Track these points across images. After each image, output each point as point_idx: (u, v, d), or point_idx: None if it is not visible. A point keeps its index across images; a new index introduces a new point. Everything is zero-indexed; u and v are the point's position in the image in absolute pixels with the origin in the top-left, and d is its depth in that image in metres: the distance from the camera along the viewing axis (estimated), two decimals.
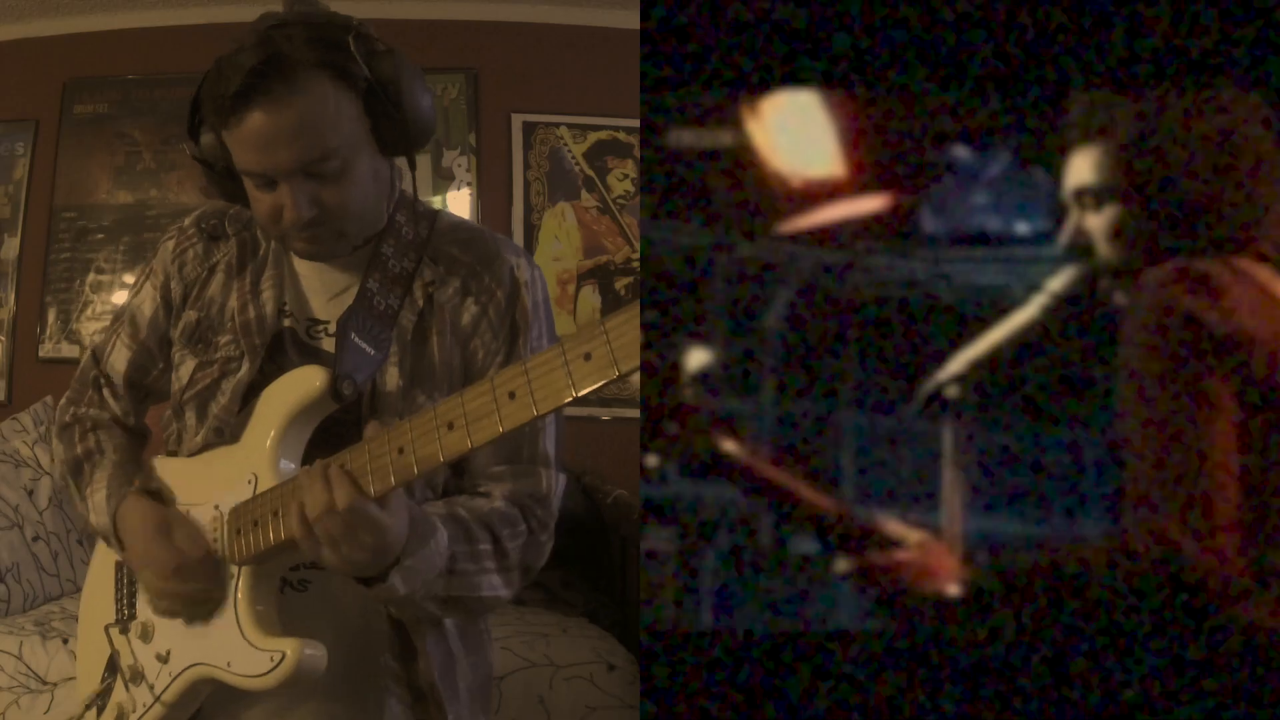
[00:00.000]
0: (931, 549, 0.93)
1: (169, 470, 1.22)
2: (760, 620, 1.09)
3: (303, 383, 1.12)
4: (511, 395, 0.89)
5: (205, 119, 1.14)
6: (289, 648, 1.05)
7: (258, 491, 1.10)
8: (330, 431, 1.14)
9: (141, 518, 1.15)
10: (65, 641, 2.17)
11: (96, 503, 1.20)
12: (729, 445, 0.90)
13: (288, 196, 1.09)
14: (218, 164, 1.15)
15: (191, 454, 1.20)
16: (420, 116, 1.14)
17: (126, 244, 3.47)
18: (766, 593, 1.10)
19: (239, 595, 1.09)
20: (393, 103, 1.11)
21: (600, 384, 0.84)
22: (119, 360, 1.29)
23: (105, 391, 1.29)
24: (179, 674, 1.12)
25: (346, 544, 0.98)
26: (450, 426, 0.93)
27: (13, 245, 3.46)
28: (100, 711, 1.19)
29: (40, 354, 3.41)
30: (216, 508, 1.13)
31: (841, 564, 0.92)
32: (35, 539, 2.57)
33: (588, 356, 0.83)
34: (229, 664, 1.08)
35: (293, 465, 1.12)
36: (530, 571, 1.19)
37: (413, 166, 1.22)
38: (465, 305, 1.20)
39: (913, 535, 0.93)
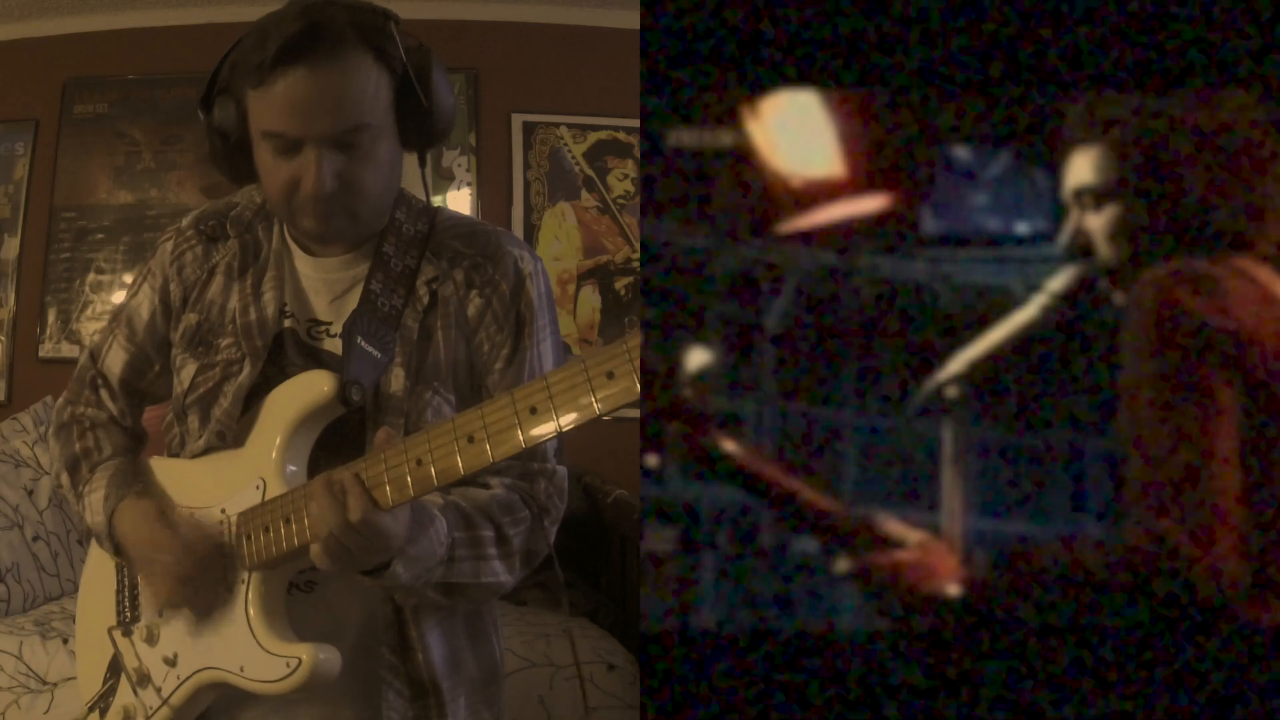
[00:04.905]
0: (931, 549, 0.92)
1: (170, 471, 1.22)
2: (760, 620, 1.09)
3: (311, 388, 1.12)
4: (533, 410, 0.89)
5: (229, 85, 1.13)
6: (304, 653, 1.04)
7: (266, 496, 1.09)
8: (333, 435, 1.13)
9: (143, 515, 1.15)
10: (65, 641, 2.17)
11: (93, 502, 1.20)
12: (729, 445, 0.90)
13: (311, 164, 1.08)
14: (231, 135, 1.14)
15: (193, 457, 1.20)
16: (444, 114, 1.16)
17: (126, 244, 3.46)
18: (766, 593, 1.10)
19: (250, 599, 1.09)
20: (424, 94, 1.13)
21: (623, 403, 0.84)
22: (115, 362, 1.28)
23: (103, 392, 1.29)
24: (187, 678, 1.12)
25: (360, 555, 1.00)
26: (470, 439, 0.93)
27: (13, 245, 3.46)
28: (104, 714, 1.18)
29: (40, 354, 3.41)
30: (223, 511, 1.13)
31: (841, 564, 0.92)
32: (35, 539, 2.57)
33: (611, 375, 0.84)
34: (241, 669, 1.08)
35: (298, 470, 1.11)
36: (533, 557, 1.19)
37: (423, 163, 1.22)
38: (469, 298, 1.19)
39: (913, 535, 0.93)
